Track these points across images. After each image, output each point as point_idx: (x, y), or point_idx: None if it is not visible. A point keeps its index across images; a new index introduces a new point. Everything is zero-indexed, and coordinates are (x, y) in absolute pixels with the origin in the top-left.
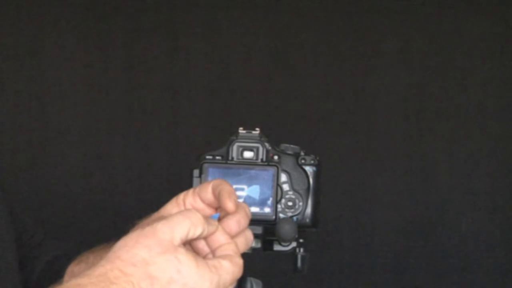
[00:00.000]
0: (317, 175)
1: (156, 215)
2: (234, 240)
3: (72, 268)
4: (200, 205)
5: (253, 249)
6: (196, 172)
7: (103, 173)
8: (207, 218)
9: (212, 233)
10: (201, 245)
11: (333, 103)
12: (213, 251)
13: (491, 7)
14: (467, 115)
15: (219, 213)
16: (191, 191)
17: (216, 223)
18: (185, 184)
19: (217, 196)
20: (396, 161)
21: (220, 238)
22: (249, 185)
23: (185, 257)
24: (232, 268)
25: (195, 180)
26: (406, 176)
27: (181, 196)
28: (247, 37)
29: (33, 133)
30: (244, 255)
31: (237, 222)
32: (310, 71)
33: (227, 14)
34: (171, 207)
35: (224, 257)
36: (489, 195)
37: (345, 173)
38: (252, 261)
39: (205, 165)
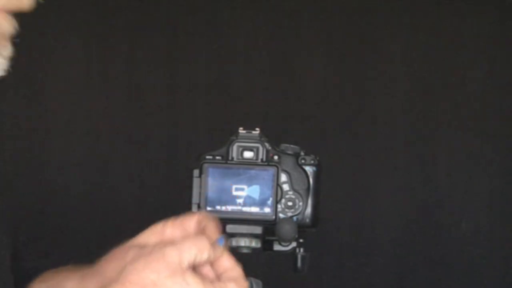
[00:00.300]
0: (317, 175)
1: (133, 242)
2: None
3: (34, 286)
4: (178, 235)
5: (253, 249)
6: (196, 172)
7: (103, 173)
8: (212, 243)
9: (218, 258)
10: (206, 270)
11: (333, 103)
12: (218, 276)
13: (492, 7)
14: (467, 115)
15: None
16: (170, 222)
17: (221, 248)
18: (185, 184)
19: (202, 230)
20: (396, 161)
21: (225, 262)
22: (249, 185)
23: (192, 279)
24: None
25: (195, 180)
26: (406, 176)
27: (160, 225)
28: (247, 37)
29: (33, 133)
30: (244, 255)
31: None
32: (310, 71)
33: (227, 14)
34: (149, 234)
35: (230, 280)
36: (489, 195)
37: (345, 173)
38: (252, 261)
39: (205, 165)
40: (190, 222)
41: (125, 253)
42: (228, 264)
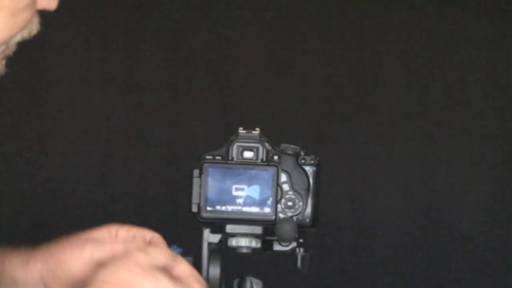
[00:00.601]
0: (317, 175)
1: (87, 235)
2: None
3: None
4: (130, 240)
5: (253, 249)
6: (196, 172)
7: (102, 173)
8: (172, 252)
9: (176, 265)
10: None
11: (333, 103)
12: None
13: (491, 7)
14: (467, 115)
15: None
16: (126, 227)
17: (179, 256)
18: (185, 184)
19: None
20: (396, 161)
21: (182, 267)
22: (249, 185)
23: (163, 278)
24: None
25: (195, 180)
26: (406, 176)
27: (115, 227)
28: (247, 37)
29: (33, 133)
30: (244, 255)
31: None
32: (310, 71)
33: (227, 14)
34: (103, 232)
35: (192, 281)
36: (489, 195)
37: (345, 173)
38: (252, 261)
39: (205, 165)
40: (141, 234)
41: (82, 247)
42: (187, 269)
